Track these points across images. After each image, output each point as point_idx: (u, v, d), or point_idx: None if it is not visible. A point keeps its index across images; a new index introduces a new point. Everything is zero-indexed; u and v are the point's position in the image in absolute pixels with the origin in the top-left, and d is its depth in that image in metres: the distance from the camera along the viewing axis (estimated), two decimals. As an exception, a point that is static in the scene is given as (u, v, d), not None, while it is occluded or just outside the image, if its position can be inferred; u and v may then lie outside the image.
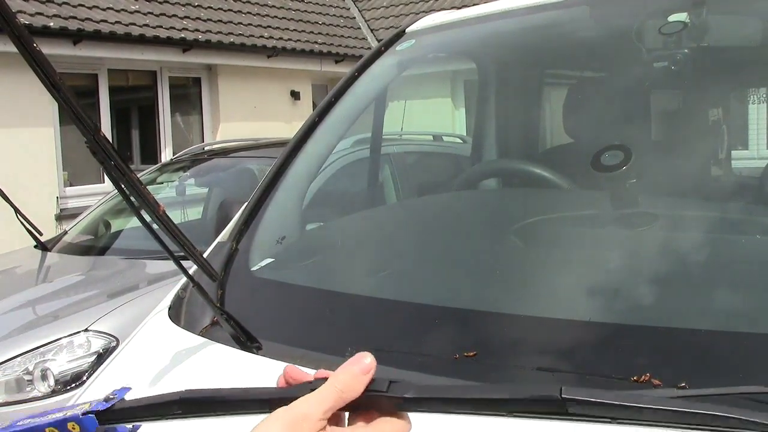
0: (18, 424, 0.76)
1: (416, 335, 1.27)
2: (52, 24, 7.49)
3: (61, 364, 3.27)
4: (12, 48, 0.98)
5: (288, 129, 9.47)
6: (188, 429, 0.84)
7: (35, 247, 4.71)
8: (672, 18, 1.81)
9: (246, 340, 1.32)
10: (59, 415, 0.75)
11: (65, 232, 5.01)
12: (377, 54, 2.11)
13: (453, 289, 1.45)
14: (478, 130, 2.61)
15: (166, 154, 8.88)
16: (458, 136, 5.59)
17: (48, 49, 6.70)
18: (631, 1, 1.96)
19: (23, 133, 7.54)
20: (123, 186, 1.05)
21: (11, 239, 5.16)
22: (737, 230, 1.45)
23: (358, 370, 0.67)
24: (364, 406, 0.68)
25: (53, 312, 3.58)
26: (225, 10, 10.01)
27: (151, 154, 9.20)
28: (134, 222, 4.64)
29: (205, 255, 1.66)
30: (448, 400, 0.70)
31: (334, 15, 12.10)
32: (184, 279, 1.60)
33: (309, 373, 0.72)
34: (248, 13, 10.36)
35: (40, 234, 4.64)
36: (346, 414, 0.69)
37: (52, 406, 3.10)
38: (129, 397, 0.78)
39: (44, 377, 3.25)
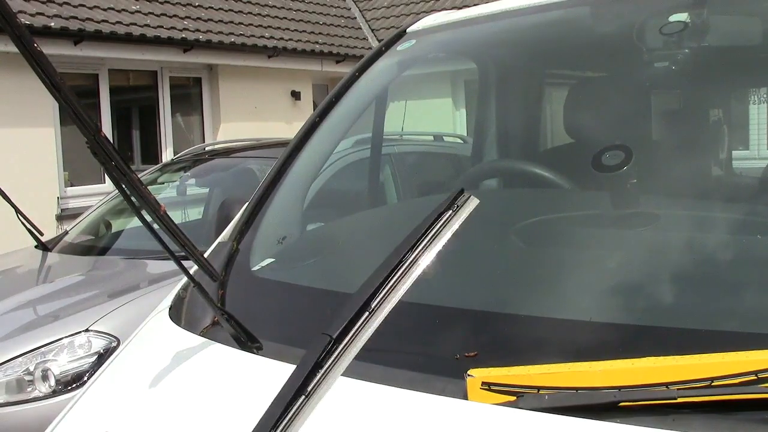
0: None
1: (417, 335, 1.27)
2: (53, 24, 7.49)
3: (62, 364, 3.27)
4: (13, 48, 0.98)
5: (289, 129, 9.48)
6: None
7: (36, 247, 4.71)
8: (673, 18, 1.81)
9: (246, 340, 1.32)
10: None
11: (66, 233, 5.01)
12: (378, 54, 2.11)
13: (454, 289, 1.45)
14: (479, 130, 2.61)
15: (167, 155, 8.88)
16: (459, 136, 5.59)
17: (49, 49, 6.71)
18: (632, 2, 1.96)
19: (24, 133, 7.54)
20: (124, 186, 1.05)
21: (12, 239, 5.16)
22: (738, 230, 1.45)
23: None
24: None
25: (54, 312, 3.58)
26: (225, 10, 10.01)
27: (151, 155, 9.20)
28: (135, 222, 4.65)
29: (205, 255, 1.66)
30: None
31: (335, 15, 12.10)
32: (185, 279, 1.60)
33: None
34: (249, 13, 10.36)
35: (41, 234, 4.64)
36: None
37: (53, 406, 3.10)
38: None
39: (45, 377, 3.25)
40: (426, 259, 0.85)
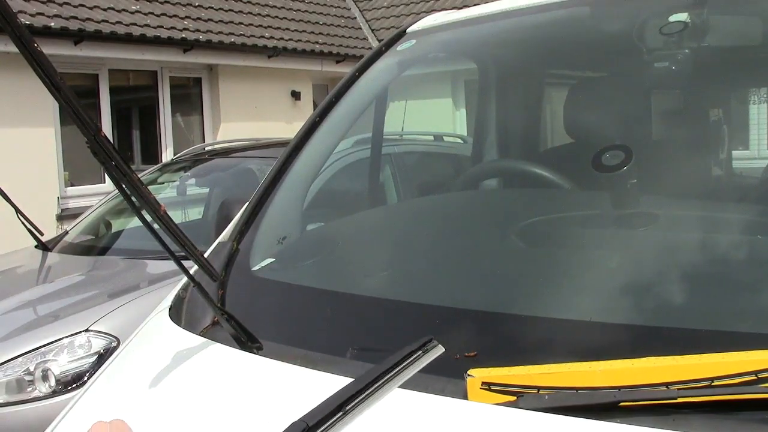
0: None
1: (417, 335, 1.27)
2: (53, 24, 7.49)
3: (62, 364, 3.27)
4: (13, 48, 0.98)
5: (289, 129, 9.48)
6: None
7: (36, 247, 4.71)
8: (673, 18, 1.81)
9: (246, 341, 1.32)
10: None
11: (66, 232, 5.01)
12: (378, 54, 2.12)
13: (454, 290, 1.45)
14: (479, 130, 2.61)
15: (167, 154, 8.88)
16: (459, 136, 5.59)
17: (49, 49, 6.71)
18: (632, 2, 1.96)
19: (24, 133, 7.54)
20: (124, 186, 1.05)
21: (12, 239, 5.16)
22: (738, 230, 1.45)
23: None
24: None
25: (54, 312, 3.58)
26: (226, 11, 10.01)
27: (151, 155, 9.20)
28: (135, 222, 4.65)
29: (206, 255, 1.66)
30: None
31: (335, 15, 12.10)
32: (185, 279, 1.60)
33: None
34: (249, 13, 10.36)
35: (41, 234, 4.64)
36: None
37: (53, 406, 3.10)
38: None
39: (45, 377, 3.25)
40: (389, 390, 1.02)
